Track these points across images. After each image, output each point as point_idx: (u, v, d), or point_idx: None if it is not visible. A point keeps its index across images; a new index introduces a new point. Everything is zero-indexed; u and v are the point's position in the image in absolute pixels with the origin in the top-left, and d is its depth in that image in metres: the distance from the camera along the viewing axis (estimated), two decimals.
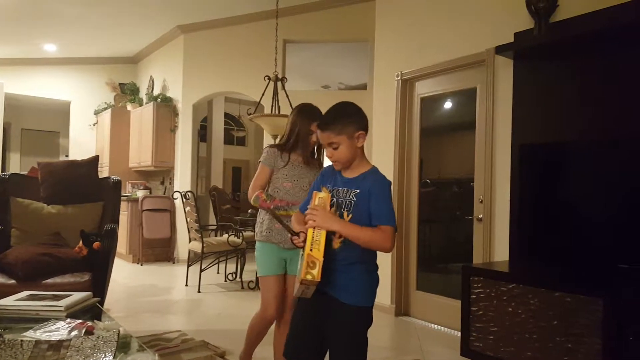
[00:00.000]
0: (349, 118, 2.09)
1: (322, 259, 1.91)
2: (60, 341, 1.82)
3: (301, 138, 2.99)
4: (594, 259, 3.38)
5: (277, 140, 6.30)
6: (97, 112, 10.08)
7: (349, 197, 2.09)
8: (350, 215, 2.07)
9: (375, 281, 2.20)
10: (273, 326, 3.09)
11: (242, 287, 6.39)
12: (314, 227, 1.98)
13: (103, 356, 1.74)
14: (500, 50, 3.97)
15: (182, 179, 8.59)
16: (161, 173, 9.36)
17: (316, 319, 2.14)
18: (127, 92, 9.85)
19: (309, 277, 1.91)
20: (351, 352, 2.12)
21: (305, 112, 3.03)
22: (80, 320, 2.11)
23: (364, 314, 2.10)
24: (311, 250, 1.94)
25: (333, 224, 1.97)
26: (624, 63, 3.39)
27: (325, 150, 2.18)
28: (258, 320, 3.03)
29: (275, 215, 2.45)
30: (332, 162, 2.15)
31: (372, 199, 2.04)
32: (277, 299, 2.95)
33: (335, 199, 2.13)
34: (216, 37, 8.26)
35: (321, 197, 2.07)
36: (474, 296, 3.47)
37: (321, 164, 3.09)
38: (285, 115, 5.81)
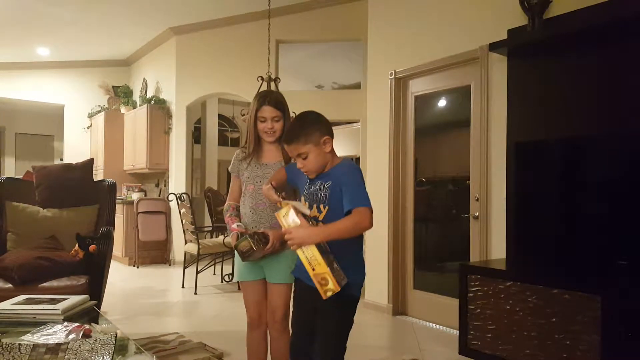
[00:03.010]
0: (312, 126, 2.12)
1: (328, 270, 1.90)
2: (58, 344, 1.81)
3: (253, 133, 2.67)
4: (592, 255, 3.39)
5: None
6: (90, 115, 10.06)
7: (324, 189, 2.13)
8: (326, 208, 2.10)
9: (359, 258, 2.23)
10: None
11: (239, 289, 6.37)
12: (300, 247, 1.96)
13: (101, 359, 1.74)
14: (494, 47, 3.98)
15: (177, 181, 8.58)
16: (156, 175, 9.34)
17: (313, 315, 2.16)
18: (121, 94, 9.83)
19: (329, 293, 1.92)
20: (332, 331, 2.13)
21: (253, 101, 2.68)
22: (77, 324, 2.10)
23: (348, 290, 2.05)
24: (313, 269, 1.93)
25: (314, 237, 1.94)
26: (618, 58, 3.40)
27: (296, 162, 2.18)
28: None
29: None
30: (305, 172, 2.17)
31: (344, 186, 2.06)
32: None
33: (313, 193, 2.16)
34: (208, 39, 8.24)
35: (285, 215, 2.01)
36: (472, 294, 3.47)
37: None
38: None
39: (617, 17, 3.26)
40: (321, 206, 2.12)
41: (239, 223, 2.64)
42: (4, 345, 1.75)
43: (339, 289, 1.92)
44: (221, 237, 6.79)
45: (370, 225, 2.01)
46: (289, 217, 1.98)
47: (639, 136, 3.25)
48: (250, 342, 2.83)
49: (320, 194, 2.13)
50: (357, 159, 9.43)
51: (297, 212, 2.00)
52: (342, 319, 2.09)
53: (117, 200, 6.01)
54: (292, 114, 5.94)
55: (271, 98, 2.64)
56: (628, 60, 3.34)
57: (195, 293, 6.11)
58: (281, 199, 2.33)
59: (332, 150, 2.18)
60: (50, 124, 11.42)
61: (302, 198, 2.25)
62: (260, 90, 5.81)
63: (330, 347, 2.12)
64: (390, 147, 5.14)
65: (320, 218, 2.11)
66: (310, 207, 2.15)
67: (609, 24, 3.31)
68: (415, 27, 4.98)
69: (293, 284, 2.63)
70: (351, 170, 2.12)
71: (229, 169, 2.83)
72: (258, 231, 2.52)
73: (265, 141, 2.69)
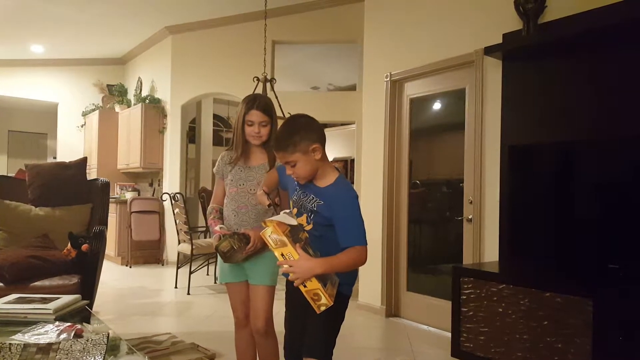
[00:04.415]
0: (299, 134, 2.05)
1: (319, 286, 1.90)
2: (49, 344, 1.80)
3: (239, 135, 2.67)
4: (584, 259, 3.40)
5: None
6: (85, 114, 10.02)
7: (312, 204, 2.11)
8: (310, 224, 2.11)
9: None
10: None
11: None
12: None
13: (92, 359, 1.73)
14: (489, 51, 3.99)
15: (171, 181, 8.56)
16: (150, 174, 9.32)
17: (305, 315, 2.16)
18: (115, 93, 9.80)
19: (322, 308, 1.92)
20: (323, 323, 2.13)
21: (241, 104, 2.67)
22: (69, 323, 2.09)
23: (340, 288, 2.09)
24: (305, 286, 1.92)
25: (315, 270, 1.91)
26: (611, 63, 3.42)
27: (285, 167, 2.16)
28: None
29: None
30: (295, 178, 2.15)
31: (339, 220, 2.04)
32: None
33: (303, 202, 2.15)
34: (204, 38, 8.23)
35: (271, 235, 1.94)
36: (464, 297, 3.47)
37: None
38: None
39: (611, 22, 3.27)
40: (308, 218, 2.11)
41: (221, 225, 2.65)
42: None
43: (332, 304, 1.92)
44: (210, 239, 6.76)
45: (365, 261, 2.03)
46: (275, 236, 1.94)
47: (632, 140, 3.26)
48: (239, 341, 2.86)
49: (309, 207, 2.11)
50: (352, 160, 9.44)
51: (283, 227, 1.96)
52: (333, 313, 2.07)
53: (111, 200, 5.99)
54: (287, 115, 5.96)
55: (260, 102, 2.64)
56: (622, 65, 3.36)
57: (188, 293, 6.10)
58: (270, 204, 2.36)
59: (323, 157, 2.12)
60: (44, 122, 11.39)
61: (290, 203, 2.25)
62: (255, 91, 5.83)
63: (319, 338, 2.13)
64: (385, 149, 5.15)
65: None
66: (299, 214, 2.15)
67: (603, 29, 3.31)
68: (411, 30, 4.98)
69: (275, 286, 2.67)
70: (348, 202, 2.07)
71: (214, 170, 2.83)
72: (239, 232, 2.52)
73: (252, 144, 2.69)
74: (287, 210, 2.18)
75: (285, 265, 1.93)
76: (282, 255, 1.94)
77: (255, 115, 2.61)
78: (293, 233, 2.00)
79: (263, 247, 2.51)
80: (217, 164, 2.80)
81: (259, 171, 2.67)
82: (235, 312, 2.82)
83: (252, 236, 2.46)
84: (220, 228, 2.60)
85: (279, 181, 2.46)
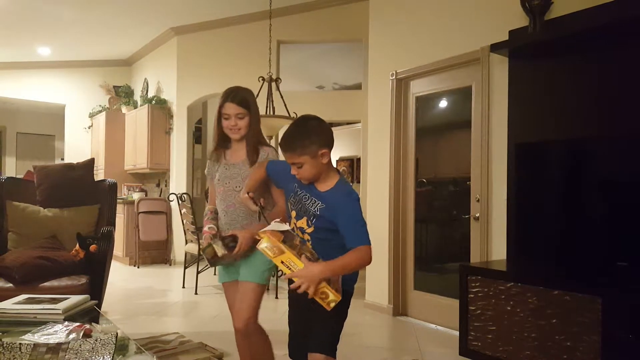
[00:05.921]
0: (309, 138, 2.04)
1: (324, 283, 1.92)
2: (59, 344, 1.81)
3: (216, 129, 2.66)
4: (593, 257, 3.38)
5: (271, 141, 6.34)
6: (91, 115, 10.07)
7: (314, 208, 2.10)
8: (311, 228, 2.10)
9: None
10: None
11: None
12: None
13: (101, 359, 1.74)
14: (495, 48, 3.98)
15: (178, 181, 8.59)
16: (157, 175, 9.35)
17: (308, 314, 2.16)
18: (122, 94, 9.85)
19: (332, 304, 1.94)
20: (327, 320, 2.12)
21: (220, 98, 2.64)
22: (78, 323, 2.10)
23: (343, 285, 2.09)
24: None
25: (320, 276, 1.92)
26: (619, 60, 3.40)
27: (290, 167, 2.13)
28: None
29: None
30: (299, 178, 2.13)
31: (342, 222, 2.03)
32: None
33: (303, 204, 2.14)
34: (210, 39, 8.25)
35: (267, 245, 1.95)
36: (472, 295, 3.47)
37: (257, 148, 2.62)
38: (281, 117, 5.81)
39: (619, 18, 3.25)
40: (309, 222, 2.11)
41: (210, 225, 2.61)
42: (4, 345, 1.76)
43: (340, 298, 1.94)
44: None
45: (370, 261, 2.01)
46: (271, 246, 1.95)
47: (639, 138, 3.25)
48: (239, 342, 2.82)
49: (310, 210, 2.10)
50: (358, 159, 9.43)
51: (277, 235, 1.97)
52: (337, 309, 2.08)
53: (118, 200, 6.01)
54: (293, 115, 5.95)
55: (235, 95, 2.61)
56: (629, 62, 3.34)
57: (196, 293, 6.12)
58: (259, 206, 2.32)
59: (329, 161, 2.12)
60: (51, 124, 11.43)
61: (288, 204, 2.24)
62: (260, 91, 5.84)
63: (324, 334, 2.13)
64: (391, 147, 5.14)
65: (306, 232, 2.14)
66: (299, 217, 2.14)
67: (611, 25, 3.30)
68: (416, 27, 4.97)
69: (265, 285, 2.59)
70: (350, 204, 2.06)
71: (205, 172, 2.80)
72: (227, 235, 2.48)
73: (233, 139, 2.65)
74: (277, 220, 2.16)
75: (290, 272, 1.96)
76: (282, 262, 1.95)
77: (231, 108, 2.57)
78: (287, 240, 2.00)
79: (251, 248, 2.46)
80: (207, 165, 2.77)
81: (242, 167, 2.60)
82: (233, 312, 2.79)
83: (240, 239, 2.42)
84: (209, 228, 2.58)
85: (275, 181, 2.43)
